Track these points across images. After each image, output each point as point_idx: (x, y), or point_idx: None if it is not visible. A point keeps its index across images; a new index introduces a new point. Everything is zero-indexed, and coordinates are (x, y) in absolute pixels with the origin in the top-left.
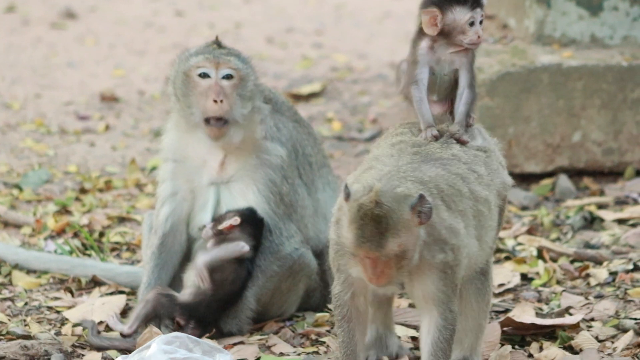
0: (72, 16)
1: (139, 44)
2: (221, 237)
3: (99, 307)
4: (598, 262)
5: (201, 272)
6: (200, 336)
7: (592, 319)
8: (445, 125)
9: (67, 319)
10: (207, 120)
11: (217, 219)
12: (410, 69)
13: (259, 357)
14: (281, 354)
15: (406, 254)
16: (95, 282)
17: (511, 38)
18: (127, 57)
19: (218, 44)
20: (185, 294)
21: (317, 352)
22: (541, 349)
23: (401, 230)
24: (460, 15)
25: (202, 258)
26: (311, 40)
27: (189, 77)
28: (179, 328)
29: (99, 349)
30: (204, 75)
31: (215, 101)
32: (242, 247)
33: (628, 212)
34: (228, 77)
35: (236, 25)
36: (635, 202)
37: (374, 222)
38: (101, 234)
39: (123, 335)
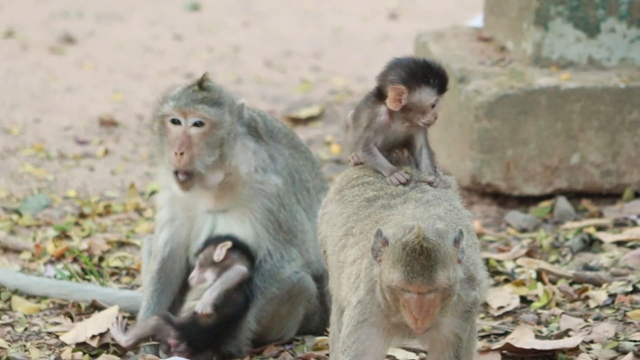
0: (71, 41)
1: (138, 68)
2: (217, 268)
3: (92, 323)
4: (597, 284)
5: (206, 309)
6: (191, 358)
7: (592, 342)
8: (409, 169)
9: (66, 344)
10: (175, 172)
11: (202, 259)
12: (362, 131)
13: None
14: None
15: (451, 291)
16: (95, 307)
17: (509, 60)
18: (126, 81)
19: (200, 84)
20: (182, 317)
21: None
22: None
23: (448, 264)
24: (426, 97)
25: (209, 297)
26: (309, 64)
27: (163, 123)
28: (168, 350)
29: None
30: (176, 122)
31: (175, 154)
32: (242, 271)
33: (627, 234)
34: (198, 124)
35: (234, 49)
36: (634, 223)
37: (423, 256)
38: (100, 259)
39: (121, 347)
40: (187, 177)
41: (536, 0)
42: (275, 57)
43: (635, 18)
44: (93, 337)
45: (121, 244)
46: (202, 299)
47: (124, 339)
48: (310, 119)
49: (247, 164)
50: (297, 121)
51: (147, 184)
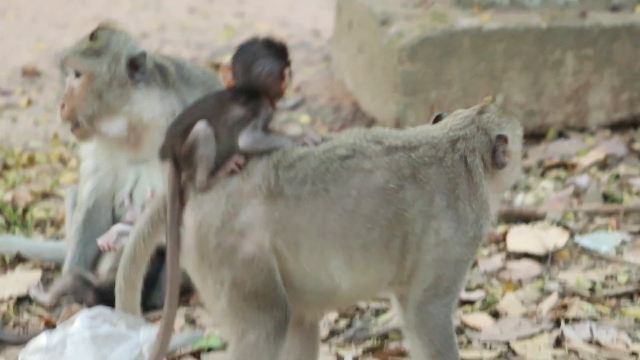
0: None
1: (61, 17)
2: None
3: (12, 284)
4: (525, 219)
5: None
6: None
7: (520, 281)
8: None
9: None
10: None
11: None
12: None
13: (183, 328)
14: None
15: None
16: (19, 259)
17: (431, 2)
18: (49, 30)
19: (91, 35)
20: (101, 278)
21: None
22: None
23: None
24: None
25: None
26: (233, 10)
27: (63, 73)
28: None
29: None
30: (67, 73)
31: (60, 105)
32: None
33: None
34: (77, 75)
35: None
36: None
37: None
38: (25, 210)
39: (46, 307)
40: (77, 129)
41: None
42: (199, 3)
43: None
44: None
45: (45, 195)
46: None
47: (47, 299)
48: None
49: (151, 111)
50: (220, 67)
51: (71, 133)
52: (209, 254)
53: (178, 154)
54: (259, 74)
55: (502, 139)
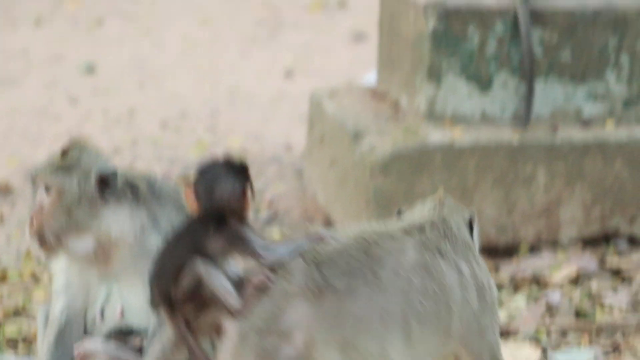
0: None
1: (34, 133)
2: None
3: None
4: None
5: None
6: None
7: None
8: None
9: None
10: None
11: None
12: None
13: None
14: None
15: None
16: None
17: (403, 116)
18: (22, 145)
19: (63, 152)
20: None
21: None
22: None
23: None
24: None
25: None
26: (206, 124)
27: (34, 189)
28: None
29: None
30: (37, 190)
31: (30, 221)
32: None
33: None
34: (47, 191)
35: (130, 111)
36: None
37: None
38: None
39: None
40: (44, 245)
41: (428, 55)
42: (171, 118)
43: (525, 71)
44: None
45: (17, 313)
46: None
47: None
48: None
49: (120, 228)
50: None
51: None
52: (249, 357)
53: (174, 299)
54: (221, 196)
55: (473, 217)
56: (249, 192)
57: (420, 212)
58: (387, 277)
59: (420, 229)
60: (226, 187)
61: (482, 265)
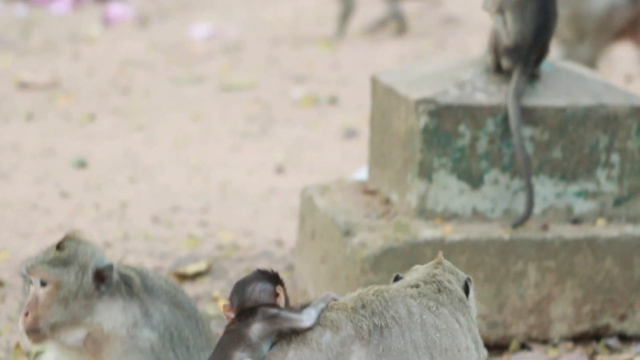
0: None
1: (24, 227)
2: None
3: None
4: None
5: None
6: None
7: None
8: None
9: None
10: None
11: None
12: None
13: None
14: None
15: None
16: None
17: (394, 213)
18: (12, 240)
19: (58, 245)
20: None
21: None
22: None
23: None
24: None
25: None
26: (197, 219)
27: (26, 281)
28: None
29: None
30: (30, 282)
31: (23, 314)
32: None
33: None
34: (43, 284)
35: (122, 205)
36: None
37: None
38: None
39: None
40: (35, 335)
41: (420, 152)
42: (163, 213)
43: (518, 169)
44: None
45: None
46: None
47: None
48: (197, 275)
49: (112, 321)
50: (184, 277)
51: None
52: None
53: None
54: (252, 291)
55: (469, 281)
56: (281, 293)
57: (416, 273)
58: (403, 314)
59: (416, 285)
60: (257, 287)
61: (476, 323)
